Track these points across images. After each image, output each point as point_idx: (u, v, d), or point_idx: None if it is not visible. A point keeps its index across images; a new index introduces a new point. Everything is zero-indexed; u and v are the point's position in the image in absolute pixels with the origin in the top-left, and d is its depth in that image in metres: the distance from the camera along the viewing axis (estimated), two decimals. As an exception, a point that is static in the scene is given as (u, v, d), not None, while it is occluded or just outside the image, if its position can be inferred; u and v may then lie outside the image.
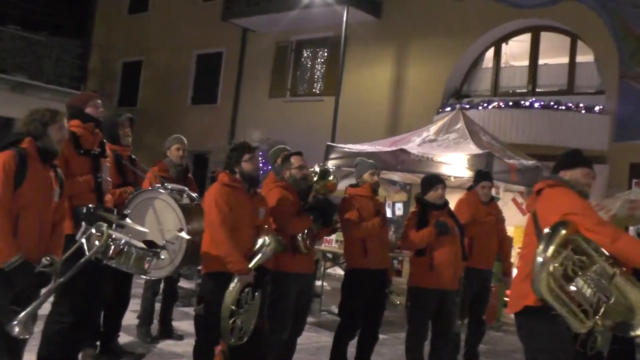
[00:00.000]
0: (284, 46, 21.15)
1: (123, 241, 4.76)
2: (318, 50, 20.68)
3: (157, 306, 8.31)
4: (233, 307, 5.71)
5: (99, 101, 6.09)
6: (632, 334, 4.51)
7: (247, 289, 5.80)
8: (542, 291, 4.38)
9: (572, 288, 4.39)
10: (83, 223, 4.91)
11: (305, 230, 6.55)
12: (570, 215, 4.50)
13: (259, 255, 5.87)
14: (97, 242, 4.66)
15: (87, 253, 4.68)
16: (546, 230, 4.49)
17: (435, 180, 7.44)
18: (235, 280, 5.73)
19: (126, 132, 7.00)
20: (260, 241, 5.91)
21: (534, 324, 4.68)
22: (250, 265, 5.79)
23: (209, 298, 5.88)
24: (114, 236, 4.68)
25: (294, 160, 6.66)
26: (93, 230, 4.70)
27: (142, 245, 4.89)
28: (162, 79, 23.86)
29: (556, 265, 4.37)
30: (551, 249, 4.38)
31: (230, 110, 21.96)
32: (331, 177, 6.91)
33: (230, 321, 5.72)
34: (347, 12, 17.52)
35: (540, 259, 4.40)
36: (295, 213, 6.45)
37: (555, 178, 4.88)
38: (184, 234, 5.52)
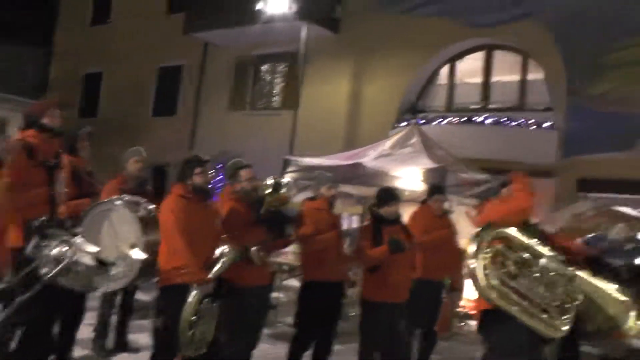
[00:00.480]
0: (244, 60, 21.10)
1: (73, 258, 4.65)
2: (277, 65, 20.67)
3: (113, 319, 8.18)
4: (193, 318, 5.65)
5: (57, 111, 5.96)
6: (625, 327, 4.53)
7: (206, 300, 5.74)
8: (490, 294, 4.36)
9: (516, 285, 4.39)
10: (36, 236, 4.80)
11: (259, 242, 6.51)
12: None
13: (218, 265, 5.83)
14: (49, 255, 4.55)
15: (40, 269, 4.57)
16: (475, 230, 4.52)
17: (390, 197, 7.31)
18: (195, 291, 5.67)
19: (84, 144, 6.93)
20: (218, 251, 5.87)
21: (492, 330, 4.68)
22: (209, 276, 5.73)
23: (167, 311, 5.81)
24: (65, 255, 4.57)
25: (243, 173, 6.65)
26: (48, 245, 4.59)
27: (92, 262, 4.79)
28: (123, 90, 23.62)
29: (486, 263, 4.37)
30: (481, 247, 4.40)
31: (190, 123, 21.84)
32: (284, 190, 6.87)
33: (190, 332, 5.66)
34: (306, 28, 17.51)
35: (472, 262, 4.40)
36: (247, 225, 6.40)
37: None
38: (136, 252, 5.43)
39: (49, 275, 4.64)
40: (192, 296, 5.68)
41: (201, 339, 5.77)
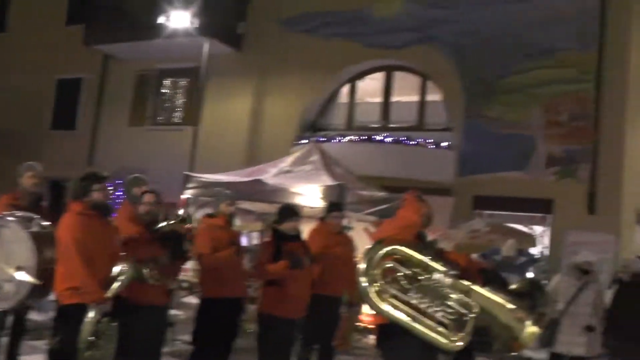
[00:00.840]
0: (146, 74, 20.83)
1: None
2: (179, 80, 20.47)
3: (4, 340, 7.92)
4: (91, 338, 5.56)
5: None
6: (523, 341, 4.68)
7: (104, 319, 5.66)
8: (382, 309, 4.46)
9: (407, 298, 4.50)
10: None
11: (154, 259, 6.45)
12: None
13: (116, 284, 5.76)
14: None
15: None
16: (366, 247, 4.63)
17: (291, 213, 7.42)
18: (92, 310, 5.58)
19: None
20: (117, 269, 5.79)
21: (388, 344, 4.76)
22: (108, 294, 5.66)
23: (64, 331, 5.68)
24: None
25: (147, 197, 6.64)
26: None
27: None
28: (21, 102, 22.83)
29: (377, 277, 4.48)
30: (370, 264, 4.50)
31: (89, 136, 21.39)
32: (187, 225, 6.92)
33: (88, 353, 5.56)
34: (208, 44, 17.48)
35: (362, 278, 4.49)
36: (142, 242, 6.35)
37: None
38: (22, 274, 5.30)
39: None
40: (90, 316, 5.58)
41: (100, 360, 5.69)
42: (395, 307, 4.48)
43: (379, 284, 4.48)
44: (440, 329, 4.53)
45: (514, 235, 12.88)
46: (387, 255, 4.55)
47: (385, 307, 4.47)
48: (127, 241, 6.24)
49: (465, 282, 4.64)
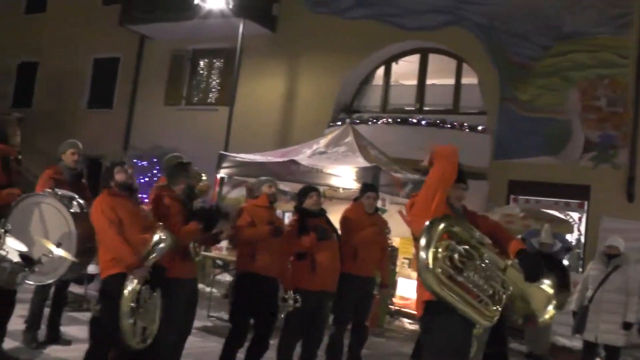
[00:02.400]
0: (181, 55, 20.97)
1: (3, 255, 4.58)
2: (214, 61, 20.61)
3: (46, 311, 8.12)
4: (132, 304, 5.69)
5: None
6: (541, 320, 4.79)
7: (144, 287, 5.80)
8: (433, 286, 4.52)
9: (461, 279, 4.57)
10: None
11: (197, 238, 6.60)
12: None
13: (155, 252, 5.87)
14: None
15: None
16: (426, 223, 4.66)
17: (308, 189, 7.81)
18: (132, 278, 5.72)
19: (15, 131, 6.78)
20: (155, 238, 5.89)
21: (432, 320, 4.82)
22: (146, 263, 5.79)
23: (106, 299, 5.84)
24: None
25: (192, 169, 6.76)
26: None
27: (18, 260, 4.75)
28: (58, 81, 23.16)
29: (439, 255, 4.54)
30: (430, 244, 4.54)
31: (126, 115, 21.60)
32: (204, 179, 7.03)
33: (131, 320, 5.70)
34: (243, 25, 17.53)
35: (422, 254, 4.55)
36: (182, 221, 6.47)
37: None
38: (60, 250, 5.43)
39: None
40: (129, 283, 5.74)
41: (145, 329, 5.81)
42: (448, 287, 4.54)
43: (437, 262, 4.53)
44: (479, 305, 4.60)
45: (549, 221, 12.84)
46: (445, 233, 4.61)
47: (439, 285, 4.53)
48: (168, 218, 6.36)
49: (500, 260, 4.71)
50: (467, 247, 4.63)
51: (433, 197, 4.83)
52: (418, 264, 4.58)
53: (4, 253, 4.51)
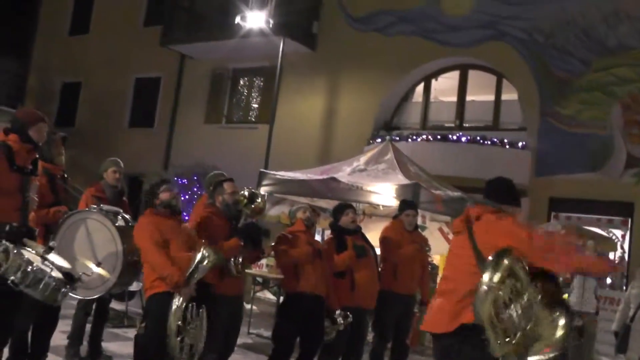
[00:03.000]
0: (221, 74, 21.13)
1: (47, 272, 4.63)
2: (254, 79, 20.73)
3: (88, 327, 8.19)
4: (179, 323, 5.72)
5: (46, 127, 5.87)
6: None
7: (190, 305, 5.83)
8: (483, 317, 4.47)
9: (506, 315, 4.51)
10: (3, 241, 4.84)
11: (237, 254, 6.61)
12: (517, 243, 4.59)
13: (199, 270, 5.90)
14: (15, 261, 4.57)
15: (8, 275, 4.59)
16: (490, 258, 4.59)
17: (344, 206, 7.95)
18: (178, 296, 5.75)
19: (59, 151, 6.87)
20: (198, 256, 5.92)
21: (463, 344, 4.73)
22: (191, 281, 5.82)
23: (151, 318, 5.89)
24: (35, 265, 4.55)
25: (226, 186, 6.77)
26: (13, 251, 4.60)
27: (61, 277, 4.81)
28: (100, 101, 23.52)
29: (500, 293, 4.48)
30: (497, 277, 4.49)
31: (166, 134, 21.79)
32: (259, 200, 7.02)
33: (178, 338, 5.73)
34: (283, 43, 17.62)
35: (485, 287, 4.49)
36: (224, 237, 6.50)
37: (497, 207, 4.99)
38: (100, 270, 5.50)
39: (20, 287, 4.64)
40: (176, 301, 5.77)
41: (192, 347, 5.84)
42: (497, 315, 4.49)
43: (496, 294, 4.49)
44: (503, 339, 4.53)
45: (592, 238, 12.64)
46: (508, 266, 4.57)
47: (488, 317, 4.49)
48: (210, 234, 6.39)
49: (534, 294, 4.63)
50: (517, 283, 4.57)
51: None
52: (478, 295, 4.52)
53: (48, 270, 4.57)
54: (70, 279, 4.88)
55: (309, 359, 7.44)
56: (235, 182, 6.99)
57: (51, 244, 5.05)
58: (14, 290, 4.72)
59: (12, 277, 4.61)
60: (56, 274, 4.71)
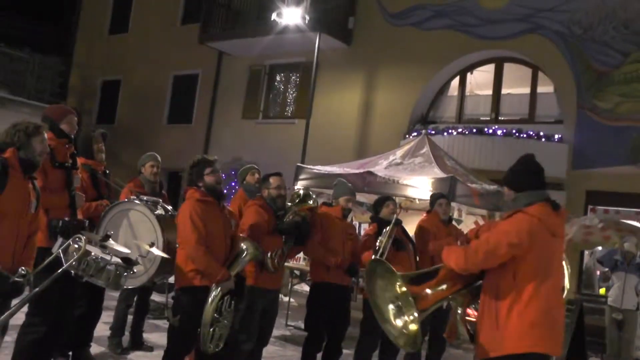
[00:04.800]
0: (258, 70, 21.20)
1: (108, 259, 4.71)
2: (290, 75, 20.76)
3: (129, 319, 8.29)
4: (215, 315, 5.75)
5: (75, 118, 5.98)
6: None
7: (226, 297, 5.85)
8: None
9: None
10: (59, 237, 4.91)
11: (276, 250, 6.61)
12: None
13: (238, 263, 5.92)
14: (74, 254, 4.64)
15: (64, 265, 4.67)
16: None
17: (384, 199, 7.87)
18: (218, 289, 5.77)
19: (100, 147, 6.93)
20: (239, 249, 5.99)
21: None
22: (231, 274, 5.85)
23: (184, 311, 5.90)
24: (94, 254, 4.62)
25: (272, 180, 6.78)
26: (75, 245, 4.67)
27: (122, 263, 4.88)
28: (139, 98, 23.81)
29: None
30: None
31: (205, 130, 21.93)
32: (311, 202, 7.01)
33: (211, 329, 5.77)
34: (319, 39, 17.61)
35: None
36: (268, 232, 6.51)
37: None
38: (154, 250, 5.54)
39: (85, 278, 4.71)
40: (214, 294, 5.80)
41: (220, 336, 5.89)
42: None
43: None
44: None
45: (630, 232, 12.45)
46: None
47: None
48: (253, 228, 6.40)
49: None
50: None
51: None
52: None
53: (108, 257, 4.64)
54: (128, 262, 4.95)
55: (336, 345, 7.45)
56: (282, 176, 7.00)
57: (108, 232, 5.10)
58: (71, 279, 4.79)
59: (75, 271, 4.69)
60: (115, 260, 4.78)
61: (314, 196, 7.19)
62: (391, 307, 4.63)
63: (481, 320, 4.52)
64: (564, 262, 4.80)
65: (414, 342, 4.52)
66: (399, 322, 4.57)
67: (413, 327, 4.47)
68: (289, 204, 6.93)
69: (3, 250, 4.63)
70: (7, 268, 4.55)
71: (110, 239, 4.88)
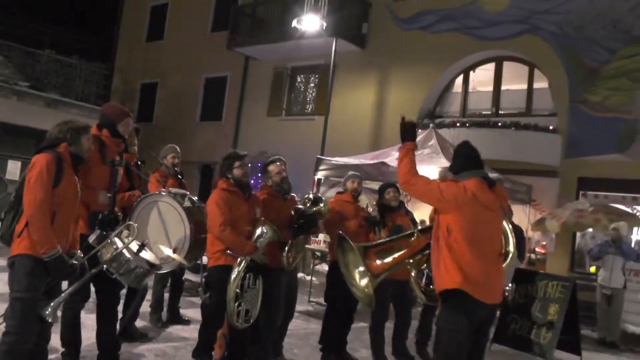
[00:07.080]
0: (281, 72, 21.18)
1: (138, 264, 4.82)
2: (310, 76, 20.71)
3: (166, 296, 8.32)
4: (237, 290, 5.75)
5: (131, 121, 5.89)
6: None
7: (248, 275, 5.84)
8: None
9: None
10: (97, 229, 4.94)
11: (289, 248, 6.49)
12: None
13: (258, 244, 5.90)
14: (111, 246, 4.73)
15: (101, 258, 4.78)
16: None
17: (386, 185, 7.74)
18: (240, 266, 5.76)
19: (133, 141, 6.87)
20: (257, 231, 5.96)
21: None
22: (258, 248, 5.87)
23: (214, 288, 5.93)
24: (128, 256, 4.74)
25: (272, 168, 6.62)
26: (114, 244, 4.76)
27: (147, 267, 4.93)
28: (174, 98, 23.90)
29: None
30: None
31: (233, 126, 21.95)
32: (322, 204, 6.91)
33: (236, 304, 5.76)
34: (336, 43, 17.54)
35: None
36: (284, 215, 6.45)
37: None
38: (174, 255, 5.62)
39: (114, 275, 4.83)
40: (236, 271, 5.79)
41: (248, 312, 5.86)
42: None
43: None
44: None
45: (617, 215, 12.34)
46: None
47: None
48: (267, 215, 6.34)
49: None
50: None
51: None
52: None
53: (138, 262, 4.80)
54: (153, 266, 5.04)
55: (349, 314, 7.46)
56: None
57: (144, 241, 5.09)
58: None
59: (109, 268, 4.78)
60: (144, 264, 4.85)
61: (324, 198, 7.11)
62: (356, 272, 5.24)
63: (432, 266, 4.86)
64: (508, 233, 5.09)
65: (369, 302, 5.23)
66: (363, 283, 5.19)
67: (369, 290, 5.16)
68: (301, 207, 6.82)
69: (61, 235, 4.64)
70: (65, 252, 4.62)
71: (145, 248, 4.94)
